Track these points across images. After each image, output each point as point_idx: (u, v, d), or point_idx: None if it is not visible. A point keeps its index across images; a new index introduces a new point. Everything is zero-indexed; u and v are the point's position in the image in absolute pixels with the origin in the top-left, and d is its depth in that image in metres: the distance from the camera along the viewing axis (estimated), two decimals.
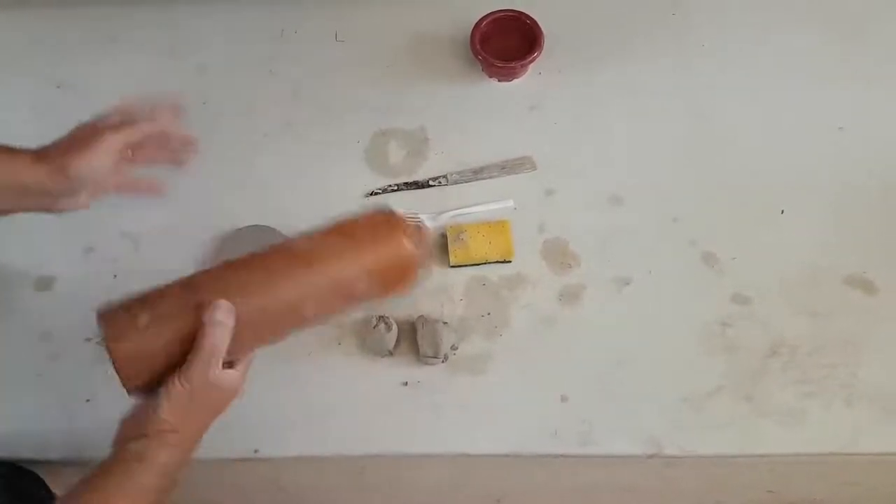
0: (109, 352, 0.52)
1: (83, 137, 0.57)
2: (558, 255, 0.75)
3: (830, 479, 0.78)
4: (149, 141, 0.61)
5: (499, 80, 0.86)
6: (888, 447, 0.67)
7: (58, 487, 0.71)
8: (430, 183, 0.79)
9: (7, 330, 0.74)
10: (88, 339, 0.72)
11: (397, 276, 0.58)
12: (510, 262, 0.75)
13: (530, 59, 0.82)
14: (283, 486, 0.76)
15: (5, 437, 0.69)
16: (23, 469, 0.71)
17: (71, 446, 0.68)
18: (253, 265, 0.56)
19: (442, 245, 0.76)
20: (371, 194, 0.79)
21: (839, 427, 0.68)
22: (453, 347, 0.71)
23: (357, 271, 0.56)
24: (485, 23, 0.84)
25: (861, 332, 0.71)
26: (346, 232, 0.58)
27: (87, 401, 0.70)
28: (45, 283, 0.76)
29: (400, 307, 0.73)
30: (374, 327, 0.70)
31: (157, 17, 0.90)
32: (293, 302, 0.55)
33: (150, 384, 0.53)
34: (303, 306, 0.55)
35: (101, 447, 0.67)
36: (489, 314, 0.73)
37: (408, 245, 0.57)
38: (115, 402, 0.69)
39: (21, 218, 0.77)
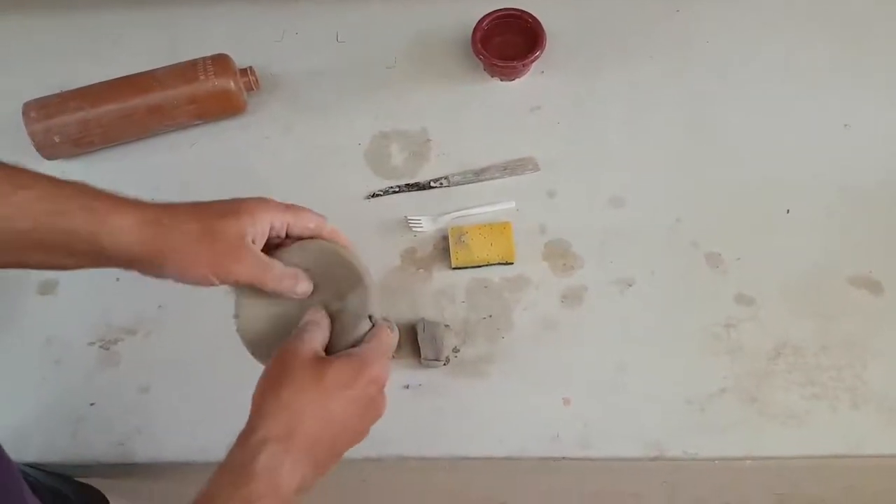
0: None
1: None
2: (560, 257, 0.75)
3: (837, 482, 0.77)
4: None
5: (500, 80, 0.85)
6: (895, 449, 0.67)
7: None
8: (432, 184, 0.79)
9: (11, 334, 0.74)
10: (91, 343, 0.73)
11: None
12: (512, 263, 0.75)
13: (532, 58, 0.82)
14: None
15: (10, 440, 0.69)
16: (79, 483, 0.72)
17: (75, 450, 0.69)
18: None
19: (444, 247, 0.75)
20: (372, 196, 0.79)
21: (845, 429, 0.67)
22: (455, 350, 0.71)
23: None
24: (486, 22, 0.84)
25: (867, 333, 0.71)
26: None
27: (91, 404, 0.70)
28: (48, 288, 0.76)
29: (401, 310, 0.73)
30: None
31: (157, 19, 0.90)
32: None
33: None
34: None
35: (105, 450, 0.68)
36: (491, 316, 0.73)
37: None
38: (118, 405, 0.70)
39: None
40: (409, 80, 0.85)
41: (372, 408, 0.50)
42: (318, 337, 0.51)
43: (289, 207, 0.54)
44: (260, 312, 0.56)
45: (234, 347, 0.70)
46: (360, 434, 0.51)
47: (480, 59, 0.83)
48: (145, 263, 0.49)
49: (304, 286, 0.54)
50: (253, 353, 0.55)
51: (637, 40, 0.87)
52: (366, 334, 0.53)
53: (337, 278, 0.55)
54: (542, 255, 0.75)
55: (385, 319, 0.67)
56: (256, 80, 0.82)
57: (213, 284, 0.51)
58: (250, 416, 0.47)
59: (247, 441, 0.45)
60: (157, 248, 0.49)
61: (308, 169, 0.81)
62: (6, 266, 0.50)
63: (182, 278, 0.51)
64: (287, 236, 0.55)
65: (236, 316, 0.56)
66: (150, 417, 0.70)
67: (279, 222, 0.53)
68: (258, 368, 0.70)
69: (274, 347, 0.52)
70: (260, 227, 0.52)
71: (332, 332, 0.53)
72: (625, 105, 0.83)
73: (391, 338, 0.53)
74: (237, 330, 0.56)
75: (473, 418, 0.68)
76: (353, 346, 0.52)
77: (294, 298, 0.55)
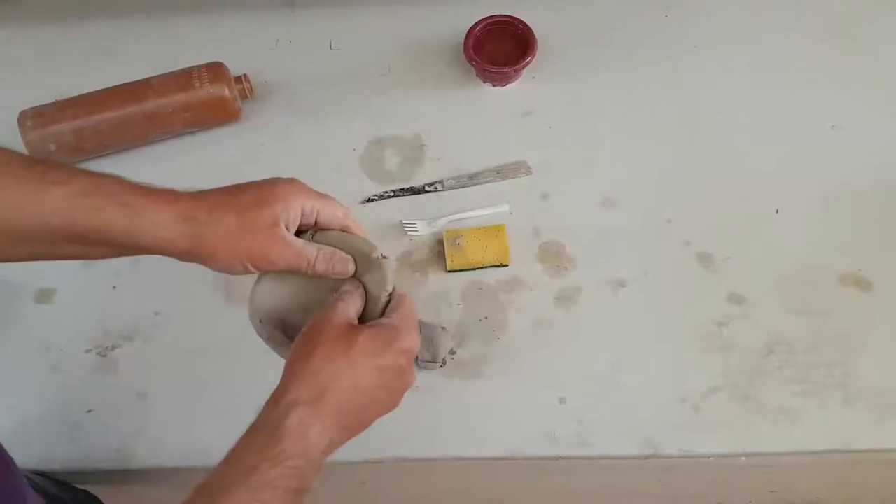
0: None
1: None
2: (554, 259, 0.76)
3: (830, 478, 0.78)
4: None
5: (493, 86, 0.86)
6: (886, 444, 0.68)
7: None
8: (426, 189, 0.80)
9: (8, 342, 0.74)
10: (89, 350, 0.73)
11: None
12: (507, 266, 0.75)
13: (524, 63, 0.83)
14: None
15: (8, 447, 0.69)
16: (76, 490, 0.72)
17: (73, 456, 0.69)
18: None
19: (439, 250, 0.76)
20: (367, 201, 0.80)
21: (837, 425, 0.68)
22: (452, 352, 0.71)
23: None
24: (478, 29, 0.85)
25: (857, 329, 0.72)
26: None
27: (89, 411, 0.71)
28: (45, 296, 0.76)
29: None
30: None
31: (152, 28, 0.91)
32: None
33: None
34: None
35: (103, 456, 0.69)
36: (486, 318, 0.73)
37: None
38: (116, 412, 0.71)
39: None
40: (402, 86, 0.86)
41: (400, 379, 0.51)
42: (352, 306, 0.51)
43: (319, 195, 0.55)
44: (276, 293, 0.56)
45: (231, 352, 0.71)
46: (389, 405, 0.51)
47: (473, 65, 0.84)
48: (182, 256, 0.51)
49: (342, 266, 0.55)
50: (264, 331, 0.56)
51: (626, 45, 0.88)
52: (387, 306, 0.54)
53: (356, 262, 0.56)
54: (537, 256, 0.76)
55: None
56: (251, 88, 0.83)
57: (250, 272, 0.53)
58: (282, 380, 0.48)
59: (277, 403, 0.46)
60: (194, 243, 0.50)
61: (303, 175, 0.80)
62: (41, 258, 0.51)
63: (219, 269, 0.52)
64: (315, 223, 0.56)
65: (252, 295, 0.56)
66: (148, 423, 0.70)
67: (309, 208, 0.54)
68: (257, 372, 0.70)
69: (287, 326, 0.54)
70: (293, 213, 0.52)
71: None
72: (615, 108, 0.84)
73: (415, 307, 0.54)
74: (249, 310, 0.56)
75: (470, 419, 0.69)
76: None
77: (325, 279, 0.55)
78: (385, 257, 0.56)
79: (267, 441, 0.44)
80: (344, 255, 0.55)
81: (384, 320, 0.52)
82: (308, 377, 0.47)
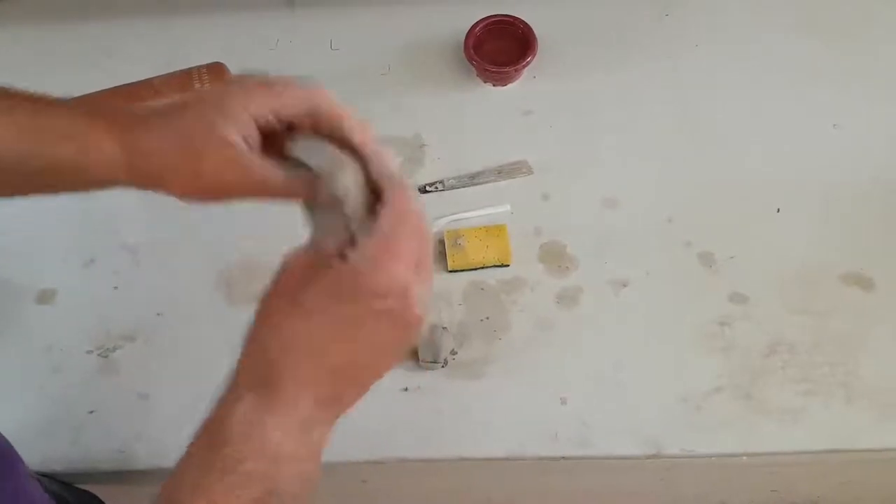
0: None
1: None
2: (556, 258, 0.76)
3: (832, 478, 0.78)
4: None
5: (493, 85, 0.86)
6: (888, 443, 0.67)
7: None
8: (427, 189, 0.80)
9: (9, 343, 0.74)
10: (90, 351, 0.73)
11: None
12: (508, 266, 0.75)
13: (524, 63, 0.83)
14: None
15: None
16: (79, 490, 0.71)
17: (75, 458, 0.69)
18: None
19: (440, 250, 0.76)
20: None
21: (839, 424, 0.68)
22: (453, 352, 0.71)
23: None
24: (478, 28, 0.85)
25: (859, 329, 0.72)
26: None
27: (91, 412, 0.71)
28: (46, 297, 0.76)
29: None
30: None
31: (152, 28, 0.91)
32: None
33: None
34: None
35: (105, 458, 0.68)
36: (488, 318, 0.73)
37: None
38: (118, 413, 0.71)
39: (22, 231, 0.78)
40: (402, 86, 0.86)
41: (388, 325, 0.38)
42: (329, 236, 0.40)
43: (269, 88, 0.42)
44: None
45: (233, 353, 0.71)
46: (383, 360, 0.40)
47: (473, 64, 0.84)
48: (138, 188, 0.44)
49: (305, 190, 0.43)
50: None
51: (627, 45, 0.88)
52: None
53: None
54: (538, 256, 0.76)
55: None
56: None
57: (212, 203, 0.44)
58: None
59: (221, 397, 0.38)
60: (143, 176, 0.43)
61: None
62: None
63: (184, 201, 0.44)
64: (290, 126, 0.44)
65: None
66: (150, 424, 0.70)
67: (257, 109, 0.42)
68: None
69: None
70: (241, 124, 0.41)
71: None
72: (616, 108, 0.84)
73: (415, 206, 0.39)
74: None
75: (472, 419, 0.69)
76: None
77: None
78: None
79: (212, 441, 0.37)
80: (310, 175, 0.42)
81: (352, 256, 0.37)
82: (252, 354, 0.38)
